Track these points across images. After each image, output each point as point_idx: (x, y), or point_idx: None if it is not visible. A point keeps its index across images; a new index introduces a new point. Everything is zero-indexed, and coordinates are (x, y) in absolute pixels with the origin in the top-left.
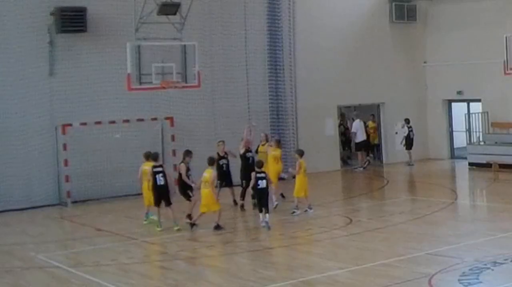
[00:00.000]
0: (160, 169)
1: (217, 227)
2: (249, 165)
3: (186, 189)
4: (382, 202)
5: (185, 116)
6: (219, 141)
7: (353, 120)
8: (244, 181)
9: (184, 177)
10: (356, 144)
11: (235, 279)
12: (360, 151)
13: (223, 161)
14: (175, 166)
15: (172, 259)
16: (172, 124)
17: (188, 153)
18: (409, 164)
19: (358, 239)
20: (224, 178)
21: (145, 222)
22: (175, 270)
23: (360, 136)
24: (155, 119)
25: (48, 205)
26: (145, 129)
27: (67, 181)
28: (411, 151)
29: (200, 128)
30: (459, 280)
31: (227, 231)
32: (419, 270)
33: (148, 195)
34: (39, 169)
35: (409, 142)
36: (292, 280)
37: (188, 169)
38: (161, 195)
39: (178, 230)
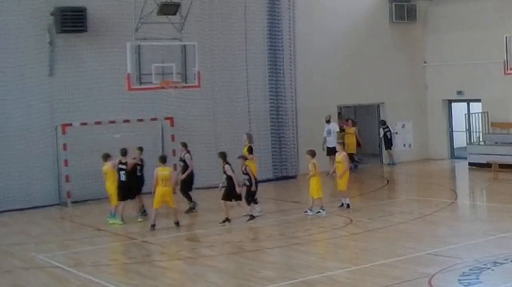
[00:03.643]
0: (124, 167)
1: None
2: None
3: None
4: (382, 202)
5: (185, 116)
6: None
7: (328, 123)
8: None
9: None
10: (328, 148)
11: (235, 279)
12: (330, 156)
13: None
14: (175, 165)
15: (172, 259)
16: (172, 124)
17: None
18: (389, 163)
19: (358, 239)
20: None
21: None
22: (175, 270)
23: (333, 142)
24: (155, 119)
25: (48, 205)
26: (145, 129)
27: (67, 181)
28: (390, 150)
29: (200, 128)
30: (459, 280)
31: (227, 231)
32: (419, 270)
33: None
34: (39, 169)
35: (386, 142)
36: (292, 280)
37: None
38: (123, 190)
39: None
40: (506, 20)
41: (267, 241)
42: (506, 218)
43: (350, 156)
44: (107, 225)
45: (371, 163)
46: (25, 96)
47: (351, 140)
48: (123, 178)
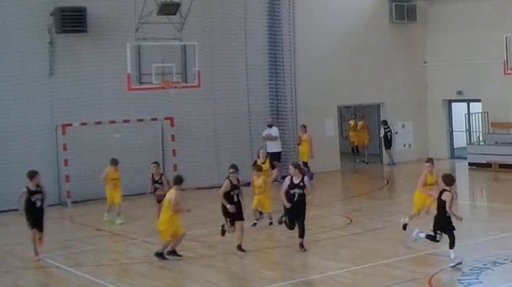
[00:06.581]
0: (40, 189)
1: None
2: None
3: None
4: (382, 202)
5: (185, 116)
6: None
7: (269, 127)
8: None
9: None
10: (270, 154)
11: (235, 279)
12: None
13: None
14: (175, 166)
15: (172, 259)
16: (172, 124)
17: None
18: (389, 163)
19: (358, 239)
20: None
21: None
22: (175, 270)
23: (275, 147)
24: (155, 119)
25: (48, 205)
26: (145, 129)
27: (67, 181)
28: (389, 150)
29: (200, 128)
30: (459, 280)
31: (228, 231)
32: (419, 270)
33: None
34: (39, 169)
35: (386, 142)
36: (292, 280)
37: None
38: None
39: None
40: (506, 20)
41: (267, 241)
42: (506, 218)
43: (305, 165)
44: (107, 224)
45: (371, 162)
46: (25, 96)
47: (305, 148)
48: (39, 204)
